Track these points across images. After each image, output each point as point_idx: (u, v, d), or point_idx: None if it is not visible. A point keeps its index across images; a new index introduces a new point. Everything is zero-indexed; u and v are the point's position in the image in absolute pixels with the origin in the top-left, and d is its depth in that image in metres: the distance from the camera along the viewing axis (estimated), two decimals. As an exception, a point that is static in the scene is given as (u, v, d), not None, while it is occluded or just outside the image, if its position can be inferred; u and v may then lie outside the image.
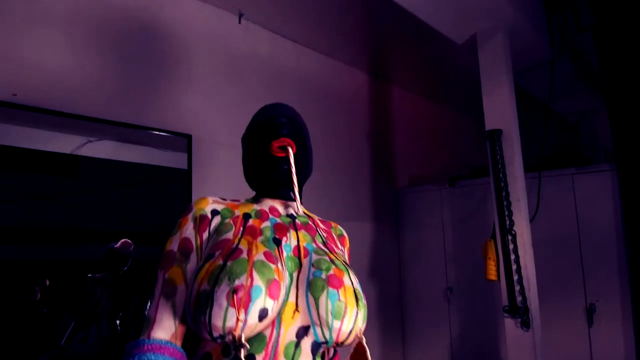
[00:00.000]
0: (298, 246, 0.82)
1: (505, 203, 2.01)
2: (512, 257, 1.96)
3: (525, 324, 1.89)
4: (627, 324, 2.25)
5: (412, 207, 3.31)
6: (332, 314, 0.72)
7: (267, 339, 0.70)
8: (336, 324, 0.72)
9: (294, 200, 0.89)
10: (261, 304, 0.67)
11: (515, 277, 1.93)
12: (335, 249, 0.89)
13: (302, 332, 0.73)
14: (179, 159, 1.99)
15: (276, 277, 0.72)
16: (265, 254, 0.74)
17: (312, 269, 0.77)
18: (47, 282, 1.60)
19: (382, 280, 3.12)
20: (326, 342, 0.73)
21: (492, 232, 2.06)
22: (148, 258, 1.81)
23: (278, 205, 0.89)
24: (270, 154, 0.86)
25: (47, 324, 1.61)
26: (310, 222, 0.92)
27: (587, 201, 2.48)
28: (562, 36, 2.62)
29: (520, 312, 1.89)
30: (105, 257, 1.77)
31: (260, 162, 0.88)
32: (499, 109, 2.14)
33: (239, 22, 2.38)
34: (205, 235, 0.80)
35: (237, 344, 0.66)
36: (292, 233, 0.84)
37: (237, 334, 0.66)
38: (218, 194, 2.24)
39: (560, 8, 2.67)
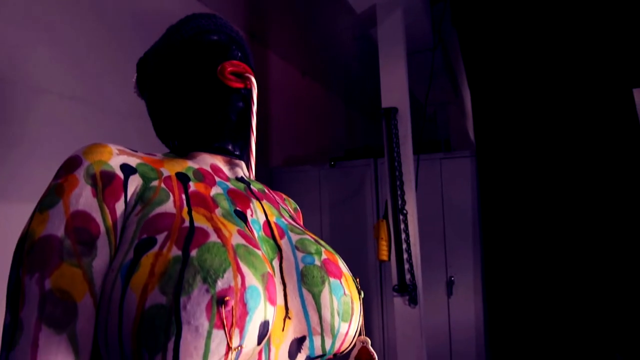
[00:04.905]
0: (268, 222, 0.55)
1: (398, 183, 2.00)
2: (403, 236, 1.96)
3: (413, 301, 1.92)
4: (478, 295, 2.52)
5: (288, 189, 3.15)
6: (338, 314, 0.49)
7: None
8: (343, 327, 0.49)
9: (245, 157, 0.61)
10: (261, 314, 0.41)
11: (405, 256, 1.94)
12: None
13: (296, 347, 0.47)
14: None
15: (269, 269, 0.45)
16: (240, 233, 0.46)
17: (299, 254, 0.52)
18: None
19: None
20: (322, 356, 0.49)
21: (385, 212, 2.03)
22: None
23: (220, 163, 0.59)
24: (217, 82, 0.56)
25: None
26: (266, 190, 0.64)
27: (451, 184, 2.69)
28: (441, 26, 2.75)
29: (409, 290, 1.91)
30: None
31: (194, 98, 0.57)
32: (396, 87, 2.11)
33: None
34: (121, 206, 0.46)
35: None
36: (256, 204, 0.56)
37: None
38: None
39: (439, -3, 2.81)
